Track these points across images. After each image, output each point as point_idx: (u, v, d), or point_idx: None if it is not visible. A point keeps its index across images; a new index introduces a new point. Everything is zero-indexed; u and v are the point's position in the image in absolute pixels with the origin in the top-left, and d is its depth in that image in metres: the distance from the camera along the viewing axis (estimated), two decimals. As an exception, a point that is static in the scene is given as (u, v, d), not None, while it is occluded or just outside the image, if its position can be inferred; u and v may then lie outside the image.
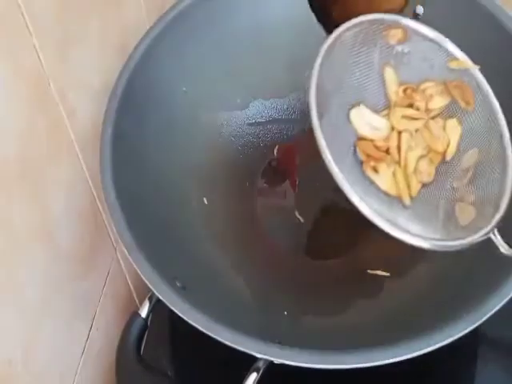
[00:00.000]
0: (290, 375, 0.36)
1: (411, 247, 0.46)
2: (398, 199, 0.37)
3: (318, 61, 0.35)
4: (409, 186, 0.37)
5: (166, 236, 0.43)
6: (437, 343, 0.33)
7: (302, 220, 0.49)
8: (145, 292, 0.39)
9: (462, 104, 0.36)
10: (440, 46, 0.37)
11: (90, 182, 0.44)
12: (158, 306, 0.38)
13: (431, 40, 0.37)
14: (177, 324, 0.48)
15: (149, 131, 0.46)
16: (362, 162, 0.37)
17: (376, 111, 0.38)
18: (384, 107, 0.38)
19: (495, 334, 0.45)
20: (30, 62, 0.35)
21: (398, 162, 0.37)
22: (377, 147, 0.37)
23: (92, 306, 0.46)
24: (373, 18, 0.37)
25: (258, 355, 0.34)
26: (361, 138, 0.37)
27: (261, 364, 0.34)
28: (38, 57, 0.36)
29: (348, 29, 0.36)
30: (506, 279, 0.35)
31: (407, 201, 0.37)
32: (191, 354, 0.48)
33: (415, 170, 0.37)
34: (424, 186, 0.37)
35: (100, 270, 0.47)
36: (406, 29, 0.37)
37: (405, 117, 0.37)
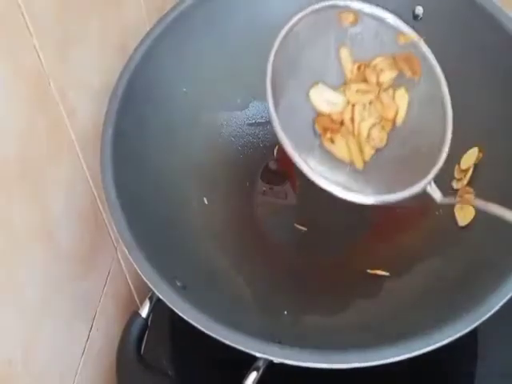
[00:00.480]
0: (290, 375, 0.36)
1: (411, 247, 0.46)
2: (351, 165, 0.41)
3: (274, 49, 0.38)
4: (362, 152, 0.41)
5: (166, 236, 0.43)
6: (436, 343, 0.33)
7: (303, 229, 0.49)
8: (145, 292, 0.39)
9: (409, 74, 0.40)
10: (388, 24, 0.40)
11: (90, 181, 0.44)
12: (158, 305, 0.38)
13: (380, 19, 0.40)
14: (177, 324, 0.48)
15: (149, 131, 0.46)
16: (320, 136, 0.41)
17: (334, 88, 0.41)
18: (341, 85, 0.42)
19: (495, 334, 0.45)
20: (30, 62, 0.35)
21: (352, 132, 0.41)
22: (333, 120, 0.41)
23: (92, 305, 0.46)
24: (324, 5, 0.39)
25: (258, 355, 0.34)
26: (319, 115, 0.41)
27: (261, 363, 0.34)
28: (38, 57, 0.36)
29: (302, 17, 0.39)
30: (505, 279, 0.35)
31: (360, 165, 0.41)
32: (191, 353, 0.48)
33: (368, 137, 0.41)
34: (378, 150, 0.41)
35: (100, 269, 0.47)
36: (356, 11, 0.40)
37: (359, 91, 0.41)
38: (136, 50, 0.46)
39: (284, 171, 0.54)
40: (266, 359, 0.34)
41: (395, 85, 0.41)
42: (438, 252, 0.44)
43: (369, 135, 0.41)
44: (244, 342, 0.34)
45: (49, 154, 0.38)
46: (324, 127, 0.41)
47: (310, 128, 0.41)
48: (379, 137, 0.41)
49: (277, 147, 0.54)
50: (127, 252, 0.37)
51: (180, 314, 0.35)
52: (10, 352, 0.35)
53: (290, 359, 0.33)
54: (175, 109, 0.49)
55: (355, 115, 0.41)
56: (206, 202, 0.49)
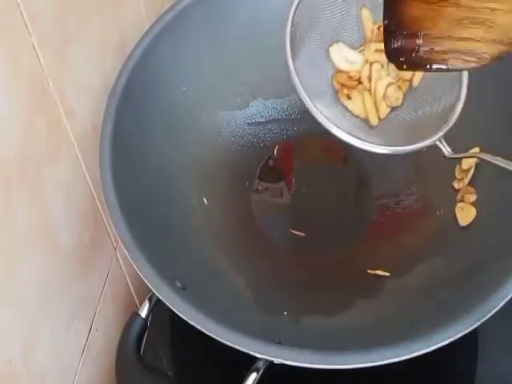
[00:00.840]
0: (290, 375, 0.36)
1: (412, 247, 0.46)
2: (366, 121, 0.42)
3: (295, 3, 0.39)
4: (377, 110, 0.42)
5: (165, 236, 0.43)
6: (436, 343, 0.33)
7: (301, 234, 0.49)
8: (145, 292, 0.39)
9: None
10: None
11: (89, 181, 0.44)
12: (157, 306, 0.38)
13: None
14: (177, 324, 0.48)
15: (148, 131, 0.46)
16: (337, 92, 0.43)
17: (353, 48, 0.43)
18: (360, 44, 0.43)
19: (495, 333, 0.45)
20: (29, 62, 0.35)
21: (369, 90, 0.42)
22: (350, 77, 0.42)
23: (92, 306, 0.46)
24: None
25: (258, 355, 0.34)
26: (338, 71, 0.42)
27: (261, 364, 0.34)
28: (37, 56, 0.36)
29: None
30: (505, 279, 0.35)
31: (374, 122, 0.42)
32: (191, 354, 0.48)
33: (384, 96, 0.42)
34: (393, 109, 0.42)
35: (100, 270, 0.47)
36: None
37: (378, 50, 0.42)
38: (135, 48, 0.46)
39: (283, 170, 0.54)
40: (266, 360, 0.34)
41: None
42: (439, 252, 0.44)
43: (385, 94, 0.42)
44: (244, 342, 0.34)
45: (48, 154, 0.38)
46: (341, 83, 0.42)
47: (327, 83, 0.42)
48: (395, 96, 0.42)
49: (277, 147, 0.54)
50: (126, 252, 0.37)
51: (180, 314, 0.35)
52: (10, 352, 0.35)
53: (290, 360, 0.33)
54: (175, 108, 0.49)
55: (373, 73, 0.42)
56: (205, 202, 0.49)
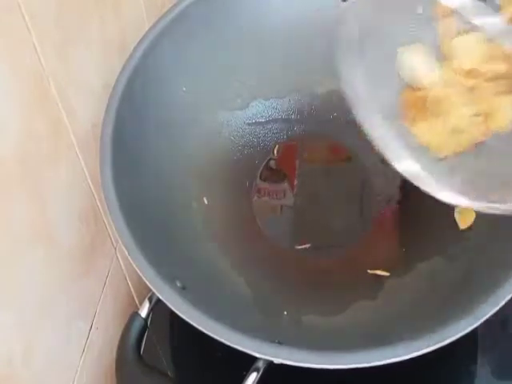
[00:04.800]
0: (290, 375, 0.36)
1: (412, 247, 0.47)
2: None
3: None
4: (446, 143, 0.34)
5: (165, 236, 0.43)
6: (436, 343, 0.33)
7: (307, 246, 0.49)
8: (145, 292, 0.39)
9: None
10: None
11: (89, 181, 0.44)
12: (157, 306, 0.38)
13: None
14: (177, 324, 0.48)
15: (149, 131, 0.46)
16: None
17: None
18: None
19: (495, 334, 0.45)
20: (30, 62, 0.35)
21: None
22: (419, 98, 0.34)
23: (92, 305, 0.46)
24: None
25: (258, 355, 0.34)
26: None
27: (261, 364, 0.34)
28: (38, 56, 0.36)
29: None
30: (505, 279, 0.35)
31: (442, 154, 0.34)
32: (191, 354, 0.48)
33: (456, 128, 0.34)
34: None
35: (100, 270, 0.47)
36: None
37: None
38: (135, 48, 0.46)
39: (283, 170, 0.54)
40: (265, 360, 0.34)
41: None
42: (439, 252, 0.44)
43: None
44: (244, 342, 0.34)
45: (48, 153, 0.38)
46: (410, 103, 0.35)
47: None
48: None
49: (276, 147, 0.54)
50: (126, 252, 0.37)
51: (180, 314, 0.35)
52: (9, 352, 0.35)
53: (290, 359, 0.33)
54: (175, 108, 0.49)
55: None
56: (206, 201, 0.49)
